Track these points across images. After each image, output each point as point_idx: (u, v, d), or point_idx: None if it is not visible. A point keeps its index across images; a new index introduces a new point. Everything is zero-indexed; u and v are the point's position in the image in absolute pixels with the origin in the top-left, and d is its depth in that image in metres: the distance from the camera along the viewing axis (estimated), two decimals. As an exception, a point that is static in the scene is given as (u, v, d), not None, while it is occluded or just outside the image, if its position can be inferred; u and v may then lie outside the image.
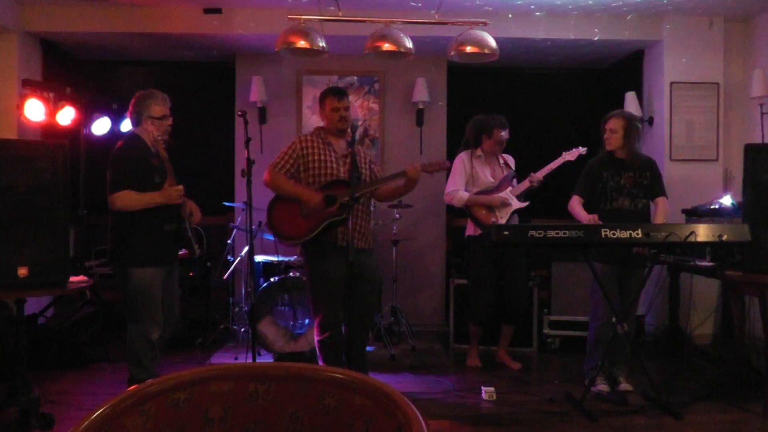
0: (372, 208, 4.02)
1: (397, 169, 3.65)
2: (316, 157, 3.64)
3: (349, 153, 3.69)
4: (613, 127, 3.87)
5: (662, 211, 3.91)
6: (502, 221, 4.36)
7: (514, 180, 4.54)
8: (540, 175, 4.35)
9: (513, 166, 4.62)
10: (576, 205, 3.92)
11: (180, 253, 3.53)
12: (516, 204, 4.41)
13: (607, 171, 3.88)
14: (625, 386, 3.86)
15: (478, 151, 4.52)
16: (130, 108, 3.46)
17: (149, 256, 3.32)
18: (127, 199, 3.25)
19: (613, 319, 3.74)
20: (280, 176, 3.60)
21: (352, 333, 3.76)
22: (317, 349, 3.78)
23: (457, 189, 4.45)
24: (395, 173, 3.68)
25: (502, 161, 4.58)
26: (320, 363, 3.83)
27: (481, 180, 4.48)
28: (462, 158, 4.53)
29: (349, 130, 3.74)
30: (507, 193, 4.41)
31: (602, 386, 3.82)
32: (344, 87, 5.84)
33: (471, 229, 4.55)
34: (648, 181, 3.89)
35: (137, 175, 3.30)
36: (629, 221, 3.66)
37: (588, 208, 3.90)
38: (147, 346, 3.34)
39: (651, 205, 3.96)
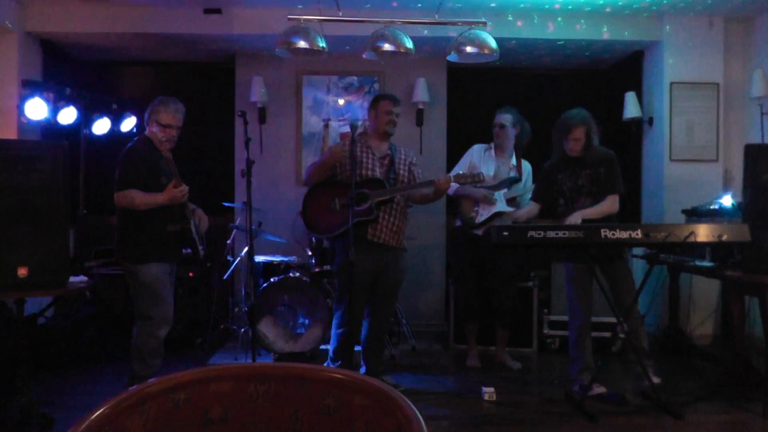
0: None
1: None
2: (356, 159, 3.79)
3: (386, 156, 3.90)
4: (579, 136, 3.74)
5: (600, 207, 3.73)
6: (481, 218, 4.31)
7: (520, 186, 4.46)
8: None
9: (526, 175, 4.52)
10: (528, 208, 3.96)
11: (185, 252, 3.58)
12: (501, 206, 4.30)
13: (563, 173, 3.84)
14: (656, 380, 3.69)
15: (492, 144, 4.53)
16: (148, 109, 3.55)
17: (153, 253, 3.40)
18: (131, 197, 3.33)
19: (592, 317, 3.74)
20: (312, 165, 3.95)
21: (370, 330, 3.94)
22: (333, 338, 3.95)
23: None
24: (424, 181, 3.86)
25: (514, 163, 4.49)
26: (331, 352, 3.98)
27: (478, 171, 4.42)
28: (473, 148, 4.56)
29: (357, 129, 3.82)
30: (500, 195, 4.35)
31: (599, 389, 3.80)
32: (344, 86, 5.88)
33: (458, 221, 4.57)
34: (603, 176, 3.79)
35: (144, 175, 3.38)
36: (592, 220, 3.63)
37: (547, 212, 3.94)
38: (154, 343, 3.42)
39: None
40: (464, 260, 4.52)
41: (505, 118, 4.44)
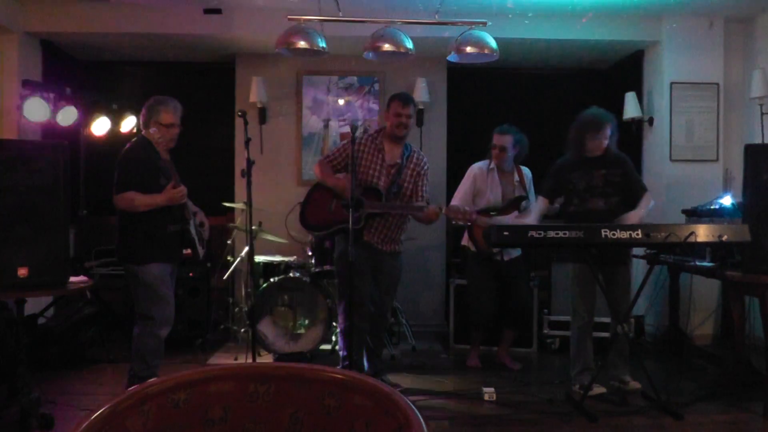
0: None
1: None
2: (363, 162, 3.83)
3: (396, 164, 3.90)
4: (608, 134, 3.76)
5: (644, 209, 3.77)
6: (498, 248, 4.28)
7: (524, 203, 4.33)
8: (558, 204, 4.15)
9: (529, 184, 4.46)
10: (538, 206, 3.89)
11: (185, 252, 3.58)
12: None
13: (577, 172, 3.83)
14: (633, 384, 3.81)
15: (492, 163, 4.42)
16: (143, 111, 3.52)
17: (153, 254, 3.40)
18: (130, 199, 3.32)
19: (594, 318, 3.75)
20: (326, 169, 3.89)
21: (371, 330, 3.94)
22: (339, 335, 3.95)
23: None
24: (415, 206, 3.86)
25: (517, 179, 4.41)
26: (342, 351, 3.93)
27: (487, 197, 4.37)
28: (473, 171, 4.44)
29: (357, 129, 3.79)
30: (510, 219, 4.26)
31: (598, 389, 3.78)
32: (344, 86, 5.87)
33: (465, 240, 4.54)
34: (620, 178, 3.80)
35: (143, 177, 3.38)
36: (604, 221, 3.62)
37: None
38: (154, 343, 3.42)
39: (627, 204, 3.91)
40: (480, 276, 4.46)
41: (506, 140, 4.33)
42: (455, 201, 4.38)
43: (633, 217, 3.69)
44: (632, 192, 3.83)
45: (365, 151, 3.88)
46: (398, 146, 3.94)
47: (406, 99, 3.94)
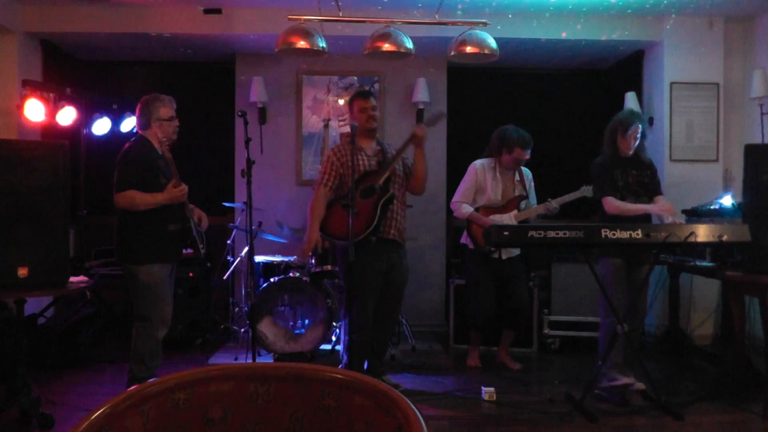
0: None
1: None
2: (349, 163, 3.79)
3: (378, 152, 3.93)
4: (639, 133, 3.82)
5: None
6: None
7: (523, 203, 4.41)
8: (557, 204, 4.24)
9: (529, 184, 4.49)
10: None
11: (185, 251, 3.58)
12: None
13: (617, 170, 3.86)
14: (638, 385, 3.78)
15: (495, 163, 4.43)
16: (137, 112, 3.54)
17: (154, 254, 3.40)
18: (131, 198, 3.32)
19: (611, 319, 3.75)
20: (318, 198, 3.83)
21: (375, 333, 3.88)
22: (343, 348, 3.85)
23: (462, 201, 4.39)
24: (405, 141, 3.91)
25: (518, 178, 4.45)
26: (344, 362, 3.87)
27: (488, 195, 4.39)
28: (476, 167, 4.44)
29: (357, 129, 3.80)
30: (510, 217, 4.31)
31: (626, 379, 3.70)
32: (344, 86, 5.87)
33: (465, 238, 4.54)
34: (649, 179, 3.88)
35: (143, 176, 3.38)
36: (636, 219, 3.65)
37: (592, 207, 3.91)
38: (152, 344, 3.42)
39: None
40: (479, 274, 4.44)
41: (528, 154, 4.34)
42: (457, 197, 4.42)
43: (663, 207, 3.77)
44: (655, 192, 3.90)
45: (346, 155, 3.83)
46: (372, 140, 3.99)
47: (365, 93, 4.02)
